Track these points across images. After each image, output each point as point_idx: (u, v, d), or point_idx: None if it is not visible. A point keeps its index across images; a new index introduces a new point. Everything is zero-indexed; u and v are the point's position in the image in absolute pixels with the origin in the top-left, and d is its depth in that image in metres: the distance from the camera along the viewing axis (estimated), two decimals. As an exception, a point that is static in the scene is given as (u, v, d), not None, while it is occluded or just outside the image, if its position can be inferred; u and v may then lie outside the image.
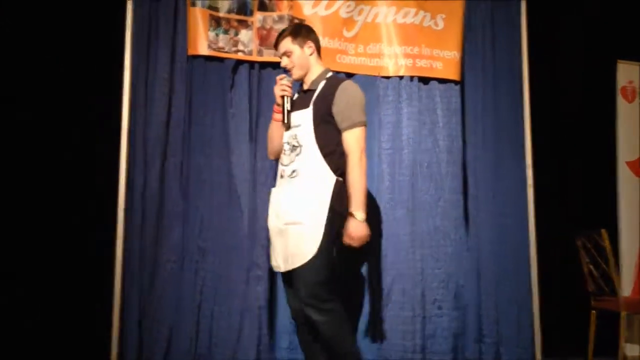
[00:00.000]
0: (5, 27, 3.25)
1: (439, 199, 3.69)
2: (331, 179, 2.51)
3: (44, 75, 3.32)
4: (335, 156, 2.54)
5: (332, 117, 2.55)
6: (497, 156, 3.80)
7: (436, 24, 3.80)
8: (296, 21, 2.77)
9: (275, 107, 2.66)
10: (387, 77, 3.72)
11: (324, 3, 3.64)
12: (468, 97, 3.83)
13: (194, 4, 3.43)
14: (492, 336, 3.60)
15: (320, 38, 3.53)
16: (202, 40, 3.42)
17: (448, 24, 3.81)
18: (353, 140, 2.55)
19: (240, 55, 3.48)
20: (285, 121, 2.61)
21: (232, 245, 3.32)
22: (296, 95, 2.72)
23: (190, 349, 3.19)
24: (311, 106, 2.57)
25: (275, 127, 2.68)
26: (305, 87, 2.69)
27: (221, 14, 3.47)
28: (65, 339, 3.06)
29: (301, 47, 2.66)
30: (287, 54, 2.67)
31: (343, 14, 3.67)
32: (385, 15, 3.74)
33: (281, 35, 2.69)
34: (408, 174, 3.66)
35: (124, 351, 3.14)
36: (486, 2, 3.89)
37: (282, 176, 2.62)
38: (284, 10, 3.58)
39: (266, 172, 3.45)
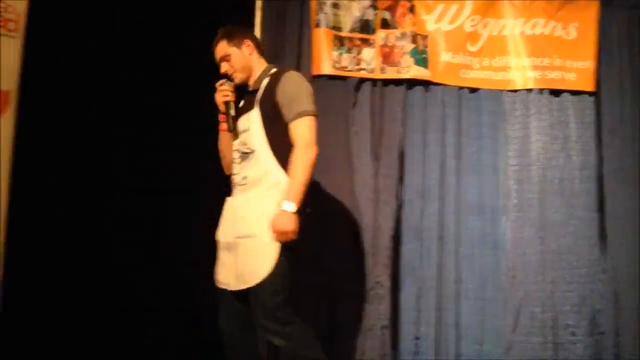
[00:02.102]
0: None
1: (570, 217, 3.59)
2: (285, 182, 2.40)
3: (171, 91, 3.58)
4: (289, 156, 2.42)
5: (278, 114, 2.45)
6: (638, 171, 3.62)
7: (568, 34, 3.71)
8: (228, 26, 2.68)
9: (220, 116, 2.59)
10: (515, 91, 3.68)
11: (448, 18, 3.68)
12: (604, 109, 3.69)
13: (318, 25, 3.60)
14: (633, 366, 3.44)
15: (443, 53, 3.65)
16: (326, 60, 3.58)
17: (581, 33, 3.71)
18: (298, 130, 2.43)
19: (363, 74, 3.60)
20: (232, 129, 2.54)
21: (354, 263, 3.43)
22: (242, 102, 2.64)
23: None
24: (256, 106, 2.49)
25: (223, 138, 2.62)
26: (250, 88, 2.60)
27: (344, 34, 3.61)
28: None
29: (239, 48, 2.58)
30: (225, 58, 2.58)
31: (467, 27, 3.69)
32: (513, 28, 3.70)
33: (215, 41, 2.61)
34: (537, 190, 3.60)
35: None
36: (623, 9, 3.73)
37: (234, 186, 2.55)
38: (407, 27, 3.65)
39: (389, 190, 3.54)
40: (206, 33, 3.50)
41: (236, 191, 2.54)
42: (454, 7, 3.68)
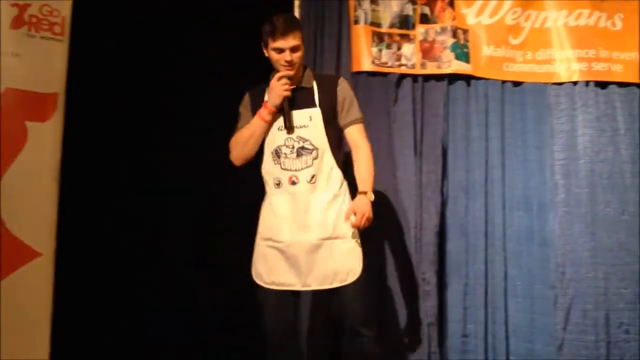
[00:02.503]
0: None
1: (622, 213, 3.50)
2: (344, 183, 2.58)
3: (209, 98, 3.63)
4: (341, 156, 2.60)
5: (335, 115, 2.59)
6: (692, 164, 3.53)
7: (614, 24, 3.65)
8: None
9: (271, 109, 2.52)
10: (560, 84, 3.63)
11: (488, 11, 3.65)
12: (653, 101, 3.61)
13: (357, 22, 3.60)
14: (689, 365, 3.32)
15: (485, 47, 3.63)
16: (366, 57, 3.57)
17: (627, 24, 3.64)
18: (362, 133, 2.65)
19: (403, 69, 3.59)
20: (289, 124, 2.53)
21: (400, 260, 3.40)
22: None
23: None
24: (318, 104, 2.56)
25: (259, 129, 2.55)
26: (297, 85, 2.59)
27: (383, 30, 3.61)
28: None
29: (303, 43, 2.58)
30: (295, 48, 2.53)
31: (509, 21, 3.65)
32: (555, 19, 3.66)
33: (291, 27, 2.52)
34: (586, 185, 3.52)
35: None
36: (670, -4, 3.66)
37: (294, 182, 2.50)
38: (447, 21, 3.64)
39: (432, 186, 3.51)
40: (244, 32, 3.59)
41: (297, 189, 2.50)
42: (494, 1, 3.65)
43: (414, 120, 3.55)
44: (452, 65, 3.58)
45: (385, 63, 3.59)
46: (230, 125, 2.69)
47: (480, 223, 3.51)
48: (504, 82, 3.64)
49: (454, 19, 3.63)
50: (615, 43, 3.62)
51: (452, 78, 3.62)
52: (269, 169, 2.55)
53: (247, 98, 2.68)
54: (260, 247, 2.54)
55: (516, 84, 3.64)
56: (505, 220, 3.53)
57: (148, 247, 3.58)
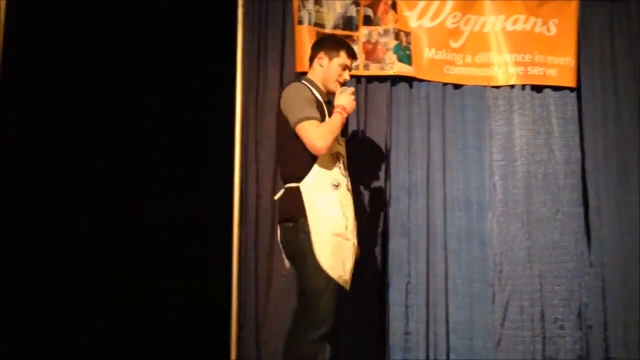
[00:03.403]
0: (118, 47, 3.58)
1: (557, 212, 3.67)
2: None
3: (158, 96, 3.61)
4: None
5: None
6: (621, 166, 3.74)
7: (548, 30, 3.82)
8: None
9: (344, 119, 2.65)
10: (498, 87, 3.77)
11: (430, 15, 3.77)
12: (585, 104, 3.80)
13: (300, 22, 3.65)
14: (621, 359, 3.50)
15: (427, 50, 3.73)
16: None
17: (561, 29, 3.82)
18: None
19: (346, 71, 3.65)
20: (346, 132, 2.74)
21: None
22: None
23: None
24: None
25: (340, 128, 2.65)
26: (327, 99, 2.75)
27: (327, 30, 3.66)
28: (185, 350, 3.28)
29: None
30: (350, 68, 2.78)
31: (449, 24, 3.78)
32: (494, 24, 3.80)
33: (353, 51, 2.82)
34: (522, 186, 3.68)
35: (241, 363, 3.34)
36: (603, 5, 3.86)
37: (347, 188, 2.66)
38: (389, 23, 3.73)
39: (399, 188, 3.62)
40: (187, 31, 3.59)
41: (342, 193, 2.62)
42: (435, 4, 3.76)
43: (357, 120, 3.62)
44: (395, 67, 3.68)
45: (329, 64, 3.64)
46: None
47: (422, 223, 3.61)
48: (445, 84, 3.76)
49: (396, 21, 3.73)
50: (550, 48, 3.80)
51: (395, 80, 3.72)
52: (326, 170, 2.59)
53: (310, 91, 2.68)
54: (332, 240, 2.52)
55: (456, 86, 3.77)
56: (446, 220, 3.64)
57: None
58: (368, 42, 3.70)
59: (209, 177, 3.51)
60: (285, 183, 2.64)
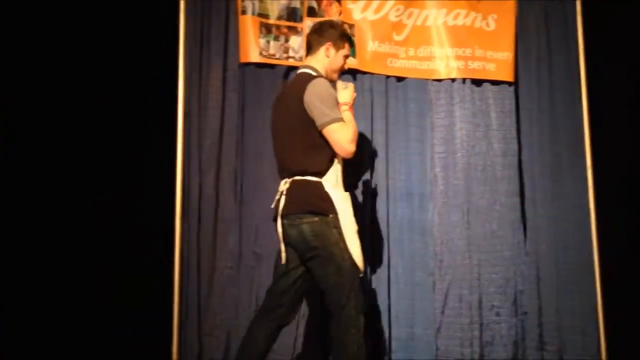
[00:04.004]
0: (59, 40, 3.50)
1: (494, 203, 3.80)
2: None
3: (98, 85, 3.55)
4: None
5: None
6: (555, 158, 3.89)
7: (488, 25, 3.93)
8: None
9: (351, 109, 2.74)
10: (439, 80, 3.86)
11: (373, 7, 3.82)
12: (522, 98, 3.94)
13: (244, 12, 3.63)
14: (555, 343, 3.67)
15: (370, 42, 3.79)
16: (253, 48, 3.62)
17: (500, 25, 3.94)
18: None
19: (291, 62, 3.67)
20: None
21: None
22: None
23: (248, 355, 3.36)
24: None
25: None
26: None
27: (271, 21, 3.68)
28: (126, 343, 3.25)
29: None
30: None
31: (392, 17, 3.84)
32: (436, 18, 3.89)
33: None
34: (462, 177, 3.79)
35: (184, 356, 3.32)
36: (540, 1, 4.00)
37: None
38: (333, 15, 3.76)
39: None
40: (127, 20, 3.53)
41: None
42: (379, -3, 3.82)
43: (301, 112, 3.64)
44: (339, 59, 3.71)
45: (274, 55, 3.66)
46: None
47: (366, 214, 3.67)
48: (388, 77, 3.83)
49: (340, 13, 3.76)
50: (489, 43, 3.91)
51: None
52: (339, 168, 2.67)
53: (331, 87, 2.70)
54: (356, 238, 2.60)
55: (399, 79, 3.84)
56: (389, 210, 3.72)
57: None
58: (312, 33, 3.72)
59: (151, 169, 3.48)
60: (294, 175, 2.61)
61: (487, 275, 3.71)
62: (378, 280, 3.63)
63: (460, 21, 3.90)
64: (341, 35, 2.80)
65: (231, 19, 3.66)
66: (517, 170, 3.87)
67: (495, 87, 3.92)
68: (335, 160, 2.64)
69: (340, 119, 2.57)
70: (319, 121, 2.56)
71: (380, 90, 3.80)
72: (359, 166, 3.69)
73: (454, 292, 3.66)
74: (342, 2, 3.77)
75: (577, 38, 3.97)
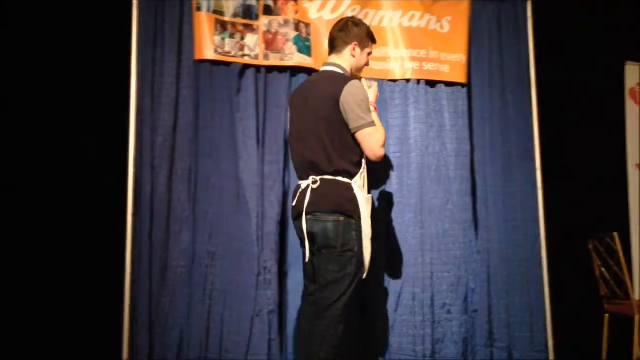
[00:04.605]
0: (8, 32, 3.42)
1: (447, 202, 3.86)
2: None
3: (50, 80, 3.49)
4: None
5: None
6: (506, 159, 3.97)
7: (442, 27, 4.00)
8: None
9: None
10: (394, 81, 3.91)
11: (329, 7, 3.83)
12: (475, 100, 4.01)
13: (199, 9, 3.61)
14: (504, 340, 3.75)
15: (326, 42, 3.78)
16: (208, 45, 3.60)
17: (454, 27, 4.00)
18: None
19: (246, 60, 3.65)
20: None
21: (241, 249, 3.47)
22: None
23: (201, 354, 3.33)
24: None
25: None
26: None
27: (227, 18, 3.66)
28: (75, 344, 3.20)
29: None
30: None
31: (349, 17, 3.86)
32: (391, 19, 3.93)
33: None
34: (416, 177, 3.83)
35: (134, 357, 3.28)
36: (493, 4, 4.09)
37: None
38: (290, 14, 3.77)
39: (274, 176, 3.62)
40: (79, 14, 3.47)
41: None
42: (335, -3, 3.84)
43: (257, 110, 3.63)
44: (295, 58, 3.72)
45: (229, 52, 3.64)
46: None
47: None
48: (343, 76, 3.84)
49: (296, 12, 3.77)
50: (443, 45, 3.97)
51: (295, 70, 3.76)
52: (365, 172, 2.75)
53: None
54: (369, 245, 2.70)
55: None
56: (343, 209, 3.73)
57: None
58: (268, 32, 3.72)
59: (102, 166, 3.43)
60: (324, 174, 2.67)
61: (440, 274, 3.77)
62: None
63: (415, 23, 3.95)
64: (367, 34, 2.87)
65: (186, 15, 3.63)
66: (469, 170, 3.95)
67: (449, 89, 3.98)
68: (363, 163, 2.72)
69: (373, 123, 2.65)
70: (353, 124, 2.63)
71: (336, 90, 3.81)
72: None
73: (407, 291, 3.70)
74: (299, 1, 3.78)
75: (528, 41, 4.08)
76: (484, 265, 3.85)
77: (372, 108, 2.73)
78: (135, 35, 3.51)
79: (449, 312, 3.74)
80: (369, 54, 2.91)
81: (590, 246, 4.02)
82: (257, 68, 3.68)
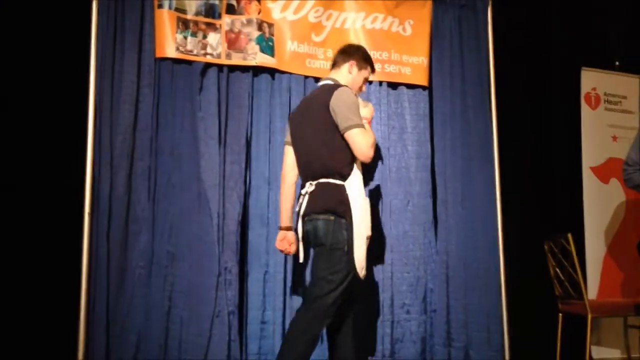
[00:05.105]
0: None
1: (408, 204, 3.90)
2: None
3: (4, 77, 3.39)
4: None
5: None
6: (466, 161, 4.04)
7: (404, 30, 4.03)
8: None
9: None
10: (357, 82, 3.92)
11: (293, 7, 3.83)
12: (436, 102, 4.06)
13: (160, 6, 3.56)
14: (461, 340, 3.81)
15: (289, 42, 3.80)
16: (170, 43, 3.55)
17: (416, 30, 4.05)
18: None
19: (208, 59, 3.62)
20: None
21: (201, 250, 3.44)
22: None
23: (160, 356, 3.29)
24: None
25: None
26: None
27: (189, 17, 3.62)
28: (30, 346, 3.12)
29: None
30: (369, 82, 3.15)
31: (312, 18, 3.87)
32: (354, 21, 3.95)
33: None
34: (377, 178, 3.87)
35: (90, 359, 3.21)
36: (453, 8, 4.15)
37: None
38: (253, 13, 3.74)
39: (235, 176, 3.59)
40: (36, 10, 3.38)
41: None
42: (298, -2, 3.83)
43: (218, 110, 3.60)
44: (257, 57, 3.70)
45: (191, 51, 3.60)
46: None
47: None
48: (306, 77, 3.85)
49: (259, 12, 3.75)
50: (405, 47, 4.02)
51: (257, 70, 3.75)
52: (360, 173, 2.81)
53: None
54: (363, 244, 2.74)
55: (318, 79, 3.84)
56: (304, 209, 3.74)
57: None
58: (231, 31, 3.70)
59: (59, 165, 3.35)
60: (319, 178, 2.74)
61: (399, 274, 3.81)
62: (293, 280, 3.64)
63: (378, 25, 3.98)
64: (365, 57, 2.99)
65: (147, 13, 3.58)
66: (429, 172, 3.99)
67: (410, 91, 4.02)
68: (355, 166, 2.78)
69: (362, 125, 2.74)
70: (342, 125, 2.70)
71: (299, 90, 3.82)
72: (274, 165, 3.70)
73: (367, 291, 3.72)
74: (262, 1, 3.76)
75: (487, 46, 4.16)
76: (443, 266, 3.90)
77: (364, 121, 2.84)
78: (95, 32, 3.45)
79: (408, 312, 3.78)
80: (366, 78, 3.01)
81: (546, 247, 4.10)
82: (220, 67, 3.65)
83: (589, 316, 3.75)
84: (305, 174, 2.84)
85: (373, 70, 3.05)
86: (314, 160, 2.78)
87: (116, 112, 3.45)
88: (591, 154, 4.52)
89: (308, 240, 2.79)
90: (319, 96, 2.83)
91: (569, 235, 3.82)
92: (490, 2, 4.21)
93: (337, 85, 2.81)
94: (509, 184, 4.12)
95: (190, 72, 3.60)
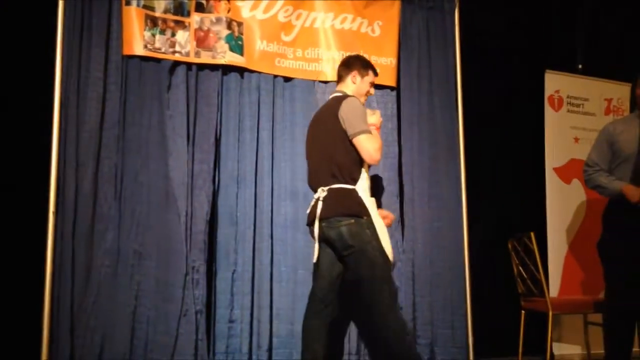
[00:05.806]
0: None
1: (380, 205, 3.92)
2: None
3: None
4: None
5: None
6: (433, 161, 4.08)
7: (373, 31, 4.05)
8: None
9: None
10: (326, 82, 3.93)
11: (262, 6, 3.82)
12: (404, 103, 4.09)
13: (128, 3, 3.51)
14: (427, 337, 3.86)
15: (259, 41, 3.79)
16: (138, 40, 3.51)
17: (385, 31, 4.07)
18: None
19: (177, 57, 3.58)
20: None
21: (169, 249, 3.41)
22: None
23: (125, 356, 3.25)
24: None
25: None
26: None
27: (157, 14, 3.57)
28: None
29: None
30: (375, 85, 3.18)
31: (281, 18, 3.86)
32: (323, 21, 3.95)
33: None
34: (346, 178, 3.87)
35: (54, 359, 3.17)
36: (422, 10, 4.18)
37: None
38: (222, 12, 3.72)
39: (203, 175, 3.57)
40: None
41: None
42: (267, -3, 3.82)
43: (187, 108, 3.58)
44: (227, 56, 3.68)
45: (159, 49, 3.56)
46: None
47: (250, 212, 3.67)
48: (275, 76, 3.84)
49: (229, 10, 3.73)
50: (374, 48, 4.03)
51: (227, 69, 3.72)
52: (367, 175, 2.90)
53: None
54: (386, 237, 2.82)
55: (287, 79, 3.87)
56: (273, 208, 3.73)
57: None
58: (200, 29, 3.66)
59: (23, 162, 3.29)
60: (331, 184, 2.81)
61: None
62: (261, 279, 3.63)
63: (347, 25, 3.99)
64: (365, 64, 3.08)
65: (114, 9, 3.53)
66: (397, 172, 4.02)
67: (378, 92, 4.03)
68: (363, 170, 2.88)
69: (369, 131, 2.86)
70: (350, 131, 2.81)
71: (268, 89, 3.81)
72: (243, 164, 3.68)
73: (335, 289, 3.73)
74: (232, -1, 3.74)
75: (455, 47, 4.20)
76: (409, 265, 3.94)
77: (372, 128, 2.93)
78: (61, 28, 3.39)
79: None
80: (371, 83, 3.08)
81: (510, 245, 4.17)
82: (189, 65, 3.62)
83: (550, 313, 3.82)
84: (317, 180, 2.91)
85: (375, 73, 3.12)
86: (325, 168, 2.88)
87: (82, 109, 3.40)
88: (554, 155, 4.60)
89: (333, 246, 2.83)
90: (330, 107, 2.95)
91: (532, 234, 3.89)
92: (457, 4, 4.25)
93: (345, 96, 2.93)
94: (474, 184, 4.17)
95: (158, 70, 3.56)
